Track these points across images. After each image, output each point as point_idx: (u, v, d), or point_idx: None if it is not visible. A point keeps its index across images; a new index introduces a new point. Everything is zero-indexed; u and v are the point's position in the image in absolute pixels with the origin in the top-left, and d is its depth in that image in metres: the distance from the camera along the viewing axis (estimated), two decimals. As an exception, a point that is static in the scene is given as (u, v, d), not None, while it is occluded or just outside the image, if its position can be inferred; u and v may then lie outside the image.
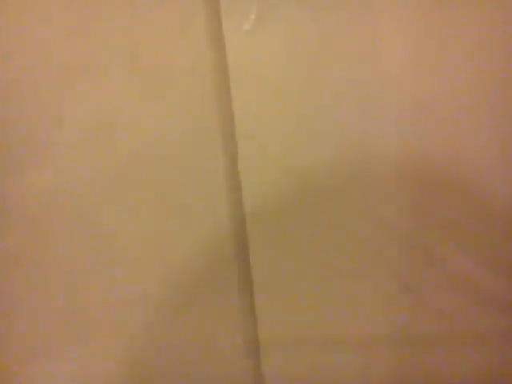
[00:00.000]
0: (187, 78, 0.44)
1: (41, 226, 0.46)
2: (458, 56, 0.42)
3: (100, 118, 0.44)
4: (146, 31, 0.43)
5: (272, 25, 0.42)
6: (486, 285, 0.46)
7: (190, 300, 0.48)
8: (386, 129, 0.43)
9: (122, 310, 0.48)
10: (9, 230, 0.46)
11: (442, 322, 0.47)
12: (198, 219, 0.46)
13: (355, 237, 0.45)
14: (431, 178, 0.44)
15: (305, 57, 0.43)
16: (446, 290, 0.47)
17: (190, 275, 0.47)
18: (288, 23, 0.42)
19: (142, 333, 0.49)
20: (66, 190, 0.45)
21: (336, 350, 0.48)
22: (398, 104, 0.43)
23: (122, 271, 0.47)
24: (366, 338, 0.48)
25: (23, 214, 0.46)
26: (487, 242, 0.46)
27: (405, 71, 0.43)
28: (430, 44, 0.42)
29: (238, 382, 0.50)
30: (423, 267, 0.46)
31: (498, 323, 0.46)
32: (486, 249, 0.46)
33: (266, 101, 0.43)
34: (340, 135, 0.43)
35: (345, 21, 0.41)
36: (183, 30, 0.43)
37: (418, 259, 0.46)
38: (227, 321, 0.49)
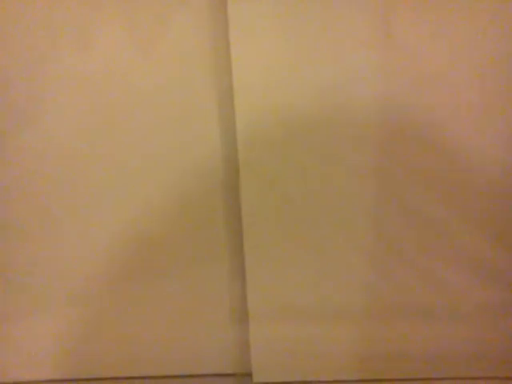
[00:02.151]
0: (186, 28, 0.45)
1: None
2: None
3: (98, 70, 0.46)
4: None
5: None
6: (483, 256, 0.45)
7: (176, 261, 0.48)
8: (368, 76, 0.44)
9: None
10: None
11: (438, 293, 0.46)
12: (191, 150, 0.47)
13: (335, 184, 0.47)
14: (413, 130, 0.45)
15: (297, 15, 0.43)
16: (444, 261, 0.45)
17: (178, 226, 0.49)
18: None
19: (122, 291, 0.49)
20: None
21: (324, 320, 0.47)
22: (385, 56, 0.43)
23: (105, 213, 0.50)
24: (355, 308, 0.46)
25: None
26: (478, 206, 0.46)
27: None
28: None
29: (224, 349, 0.49)
30: (421, 236, 0.45)
31: (493, 296, 0.45)
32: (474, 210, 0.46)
33: (261, 46, 0.43)
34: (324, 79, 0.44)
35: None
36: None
37: (423, 232, 0.45)
38: (216, 285, 0.48)
